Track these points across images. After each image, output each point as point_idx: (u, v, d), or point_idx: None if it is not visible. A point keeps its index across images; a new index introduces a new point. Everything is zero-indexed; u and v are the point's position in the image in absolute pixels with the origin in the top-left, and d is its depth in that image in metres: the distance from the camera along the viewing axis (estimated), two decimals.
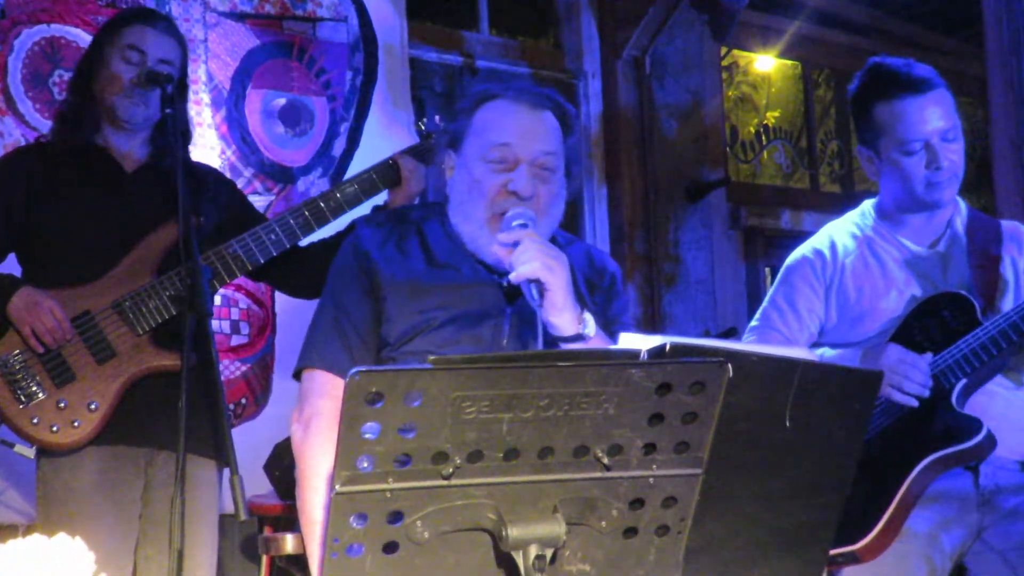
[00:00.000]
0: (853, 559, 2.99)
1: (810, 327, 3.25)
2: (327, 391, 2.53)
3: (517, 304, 2.56)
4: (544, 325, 2.39)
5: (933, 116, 3.07)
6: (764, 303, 3.34)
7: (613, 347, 1.98)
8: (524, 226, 2.47)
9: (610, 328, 2.65)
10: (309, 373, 2.58)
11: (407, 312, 2.54)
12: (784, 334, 3.25)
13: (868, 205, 3.31)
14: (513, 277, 2.39)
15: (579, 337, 2.45)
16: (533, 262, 2.36)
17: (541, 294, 2.38)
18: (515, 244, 2.43)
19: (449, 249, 2.64)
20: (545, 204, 2.58)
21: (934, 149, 3.06)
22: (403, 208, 2.73)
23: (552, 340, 2.45)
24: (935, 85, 3.09)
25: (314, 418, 2.50)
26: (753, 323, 3.36)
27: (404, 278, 2.57)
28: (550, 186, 2.60)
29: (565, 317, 2.43)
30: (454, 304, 2.55)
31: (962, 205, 3.24)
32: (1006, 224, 3.23)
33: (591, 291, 2.70)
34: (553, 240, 2.67)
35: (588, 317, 2.47)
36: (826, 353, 3.10)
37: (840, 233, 3.29)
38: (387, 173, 3.44)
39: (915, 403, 2.95)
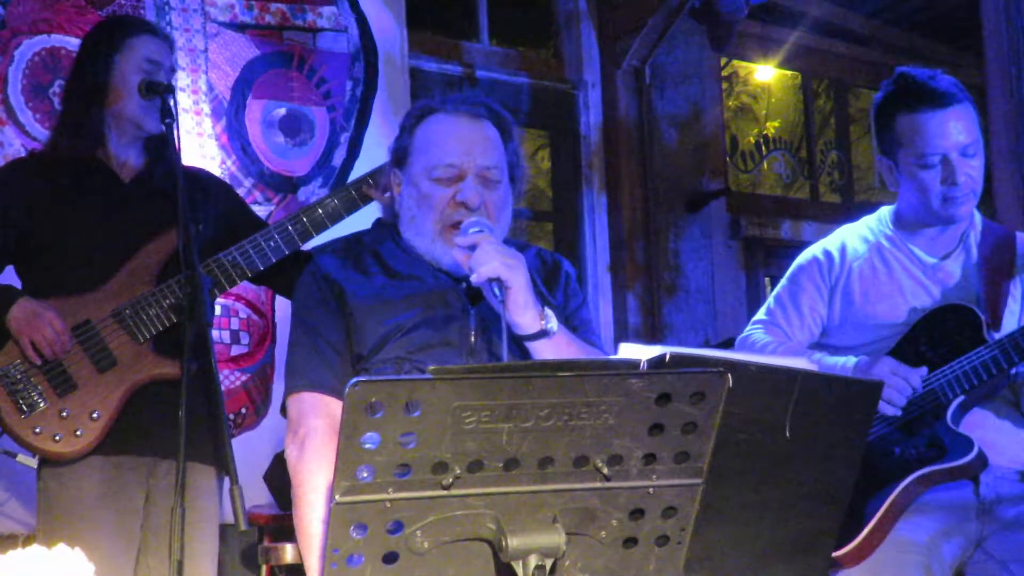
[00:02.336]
0: (834, 564, 3.00)
1: (811, 327, 3.27)
2: (318, 410, 2.55)
3: (479, 304, 2.61)
4: (508, 325, 2.42)
5: (953, 131, 3.06)
6: (770, 298, 3.36)
7: (613, 357, 1.98)
8: (480, 232, 2.52)
9: (571, 323, 2.71)
10: (297, 397, 2.59)
11: (375, 324, 2.58)
12: (785, 331, 3.27)
13: (885, 212, 3.31)
14: (474, 279, 2.44)
15: (543, 333, 2.51)
16: (492, 262, 2.42)
17: (503, 292, 2.42)
18: (472, 248, 2.48)
19: (407, 262, 2.69)
20: (495, 212, 2.65)
21: (952, 164, 3.06)
22: (355, 234, 2.79)
23: (517, 339, 2.50)
24: (958, 100, 3.08)
25: (309, 436, 2.51)
26: (757, 317, 3.37)
27: (369, 294, 2.62)
28: (497, 193, 2.66)
29: (528, 315, 2.48)
30: (420, 311, 2.59)
31: (978, 219, 3.23)
32: (1021, 237, 3.21)
33: (550, 290, 2.76)
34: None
35: (550, 313, 2.52)
36: (824, 360, 3.10)
37: (852, 236, 3.30)
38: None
39: (898, 411, 2.97)
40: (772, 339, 3.27)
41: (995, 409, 3.06)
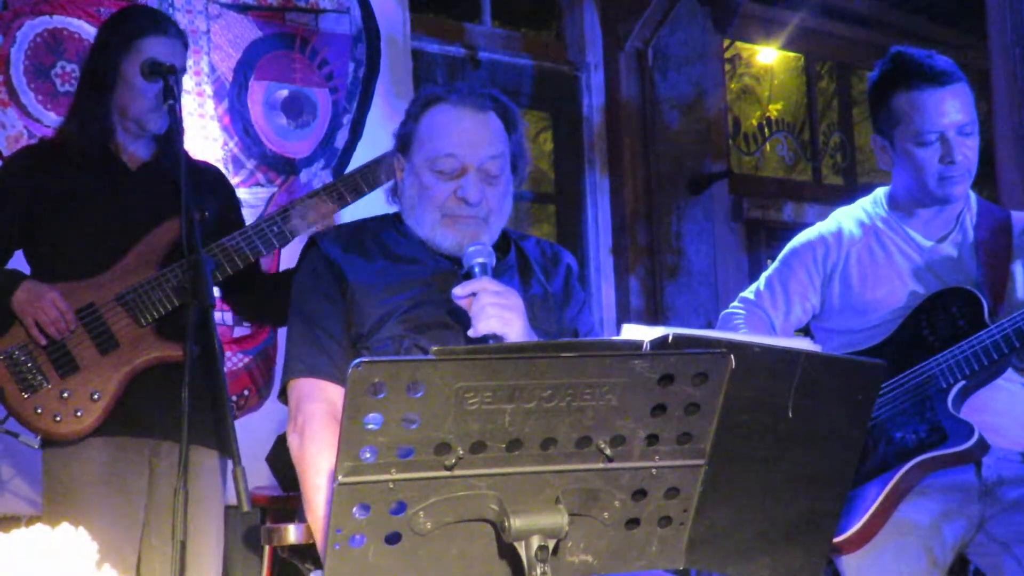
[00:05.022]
0: (834, 550, 3.01)
1: (797, 313, 3.27)
2: (314, 395, 2.57)
3: None
4: None
5: (951, 109, 3.05)
6: (760, 279, 3.35)
7: (616, 338, 1.98)
8: (483, 265, 2.55)
9: (575, 328, 2.76)
10: (294, 383, 2.62)
11: (375, 304, 2.61)
12: (769, 315, 3.27)
13: (880, 193, 3.30)
14: (472, 334, 2.46)
15: None
16: (489, 320, 2.44)
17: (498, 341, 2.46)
18: (474, 293, 2.50)
19: (408, 246, 2.72)
20: (495, 205, 2.68)
21: (949, 142, 3.05)
22: (358, 221, 2.82)
23: None
24: (956, 78, 3.07)
25: (307, 423, 2.53)
26: (744, 295, 3.36)
27: (370, 276, 2.65)
28: (497, 188, 2.69)
29: None
30: (419, 291, 2.63)
31: (972, 200, 3.22)
32: (1017, 217, 3.20)
33: (548, 278, 2.81)
34: (504, 237, 2.80)
35: None
36: None
37: (848, 220, 3.28)
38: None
39: None
40: (747, 327, 3.27)
41: (997, 391, 3.06)
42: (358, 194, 3.45)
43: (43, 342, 3.18)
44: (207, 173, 3.59)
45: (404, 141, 2.75)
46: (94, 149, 3.34)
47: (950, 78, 3.06)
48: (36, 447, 3.29)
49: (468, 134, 2.65)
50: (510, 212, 2.76)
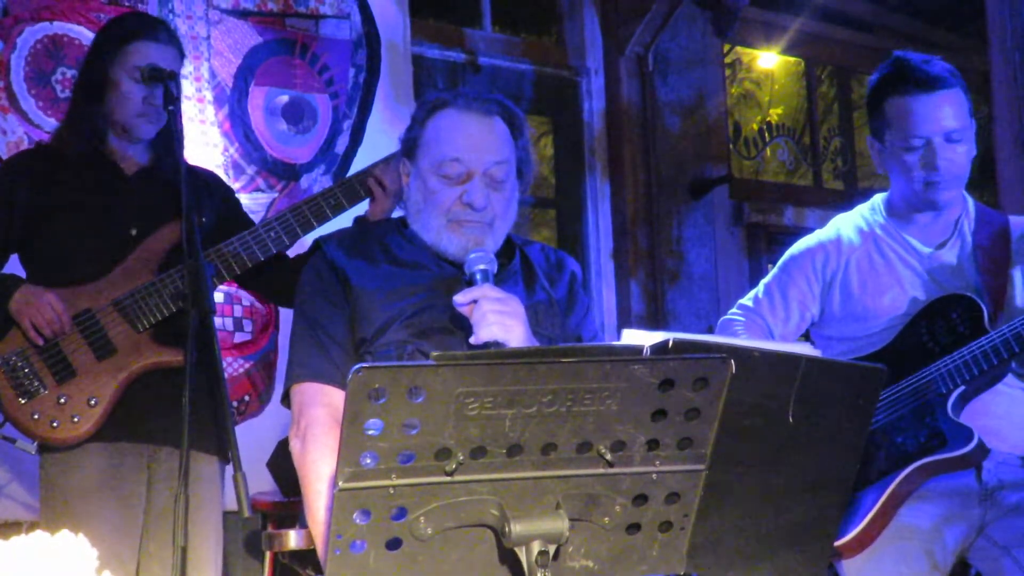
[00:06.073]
0: (835, 554, 3.01)
1: (796, 320, 3.27)
2: (318, 400, 2.57)
3: None
4: None
5: (940, 115, 3.05)
6: (759, 286, 3.35)
7: (616, 343, 1.98)
8: (484, 272, 2.55)
9: (579, 334, 2.76)
10: (298, 388, 2.62)
11: (379, 309, 2.61)
12: (768, 322, 3.27)
13: (878, 199, 3.30)
14: (473, 341, 2.46)
15: None
16: (491, 326, 2.44)
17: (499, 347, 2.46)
18: (475, 300, 2.49)
19: (412, 251, 2.72)
20: (500, 210, 2.68)
21: (934, 149, 3.05)
22: (361, 226, 2.81)
23: None
24: (949, 84, 3.07)
25: (310, 427, 2.53)
26: (743, 301, 3.36)
27: (374, 281, 2.65)
28: (503, 193, 2.69)
29: None
30: (423, 296, 2.63)
31: (970, 204, 3.22)
32: (1015, 221, 3.21)
33: (552, 284, 2.80)
34: (509, 243, 2.79)
35: None
36: None
37: (847, 226, 3.28)
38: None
39: None
40: (747, 335, 3.27)
41: (997, 395, 3.06)
42: (357, 199, 3.45)
43: (40, 342, 3.18)
44: (204, 178, 3.58)
45: (410, 146, 2.74)
46: (87, 154, 3.34)
47: (942, 84, 3.06)
48: (33, 453, 3.29)
49: (474, 139, 2.65)
50: (515, 218, 2.76)
